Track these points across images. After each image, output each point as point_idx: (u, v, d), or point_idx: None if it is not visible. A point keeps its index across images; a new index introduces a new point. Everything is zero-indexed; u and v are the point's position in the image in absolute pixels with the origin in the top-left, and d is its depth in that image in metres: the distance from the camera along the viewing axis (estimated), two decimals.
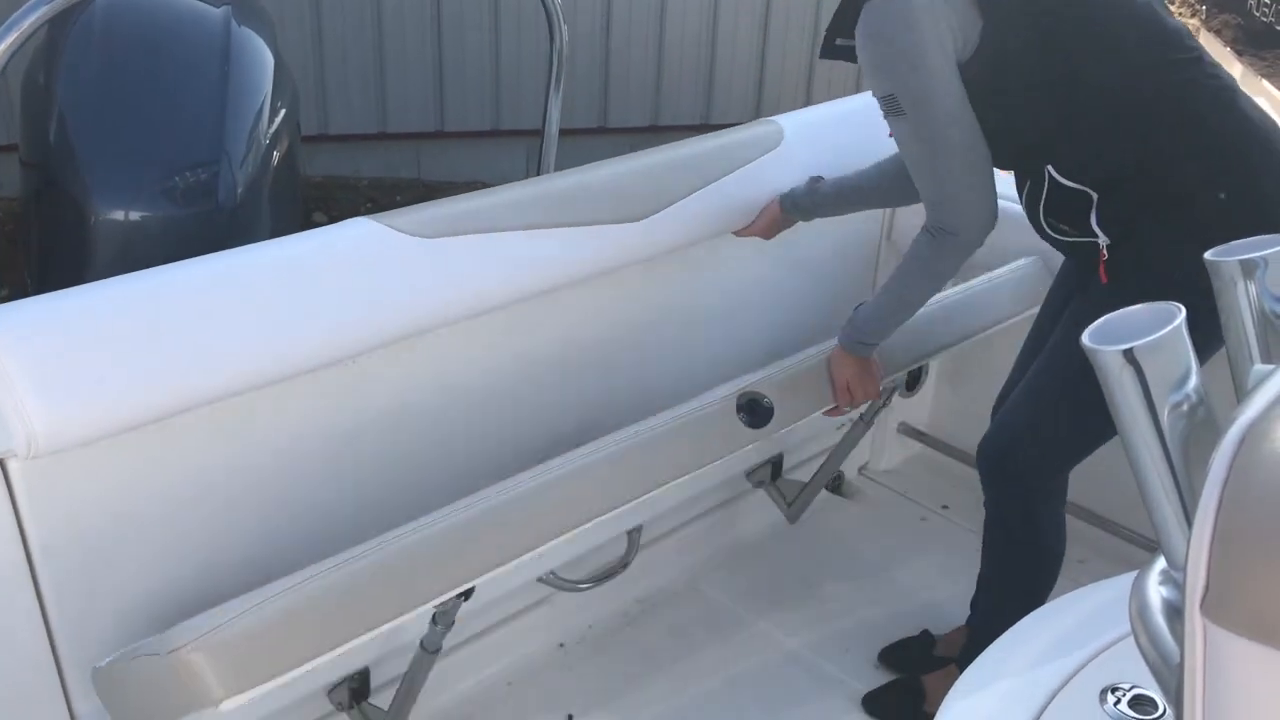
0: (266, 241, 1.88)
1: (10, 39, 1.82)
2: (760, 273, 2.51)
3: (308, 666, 1.55)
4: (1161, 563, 0.94)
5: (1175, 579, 0.91)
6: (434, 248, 1.91)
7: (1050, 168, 1.97)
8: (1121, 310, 0.95)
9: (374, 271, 1.85)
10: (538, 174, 2.70)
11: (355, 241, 1.89)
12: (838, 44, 2.02)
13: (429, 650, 1.92)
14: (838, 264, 2.68)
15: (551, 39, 2.48)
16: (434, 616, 1.84)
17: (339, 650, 1.58)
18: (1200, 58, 1.96)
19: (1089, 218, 1.96)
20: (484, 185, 5.27)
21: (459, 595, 1.74)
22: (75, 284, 1.71)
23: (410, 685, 1.99)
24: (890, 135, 2.00)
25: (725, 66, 5.42)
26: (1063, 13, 1.91)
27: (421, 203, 2.08)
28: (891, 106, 1.91)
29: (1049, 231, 2.06)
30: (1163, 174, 1.93)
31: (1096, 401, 0.98)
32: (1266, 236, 1.09)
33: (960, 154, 1.92)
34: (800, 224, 2.42)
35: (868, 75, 1.94)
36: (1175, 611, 0.87)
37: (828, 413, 2.30)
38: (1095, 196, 1.95)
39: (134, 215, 2.43)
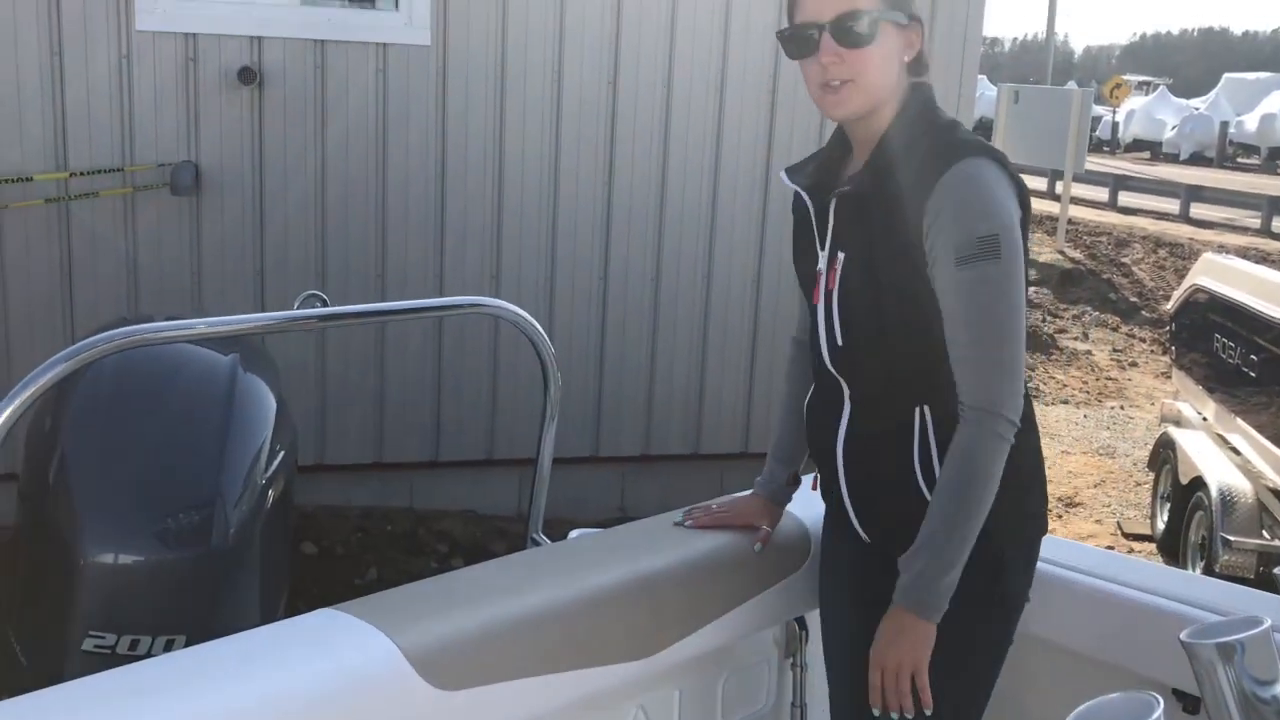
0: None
1: (26, 395, 1.89)
2: None
3: None
4: None
5: None
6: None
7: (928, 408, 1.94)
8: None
9: None
10: (529, 512, 2.73)
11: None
12: (843, 192, 1.95)
13: None
14: None
15: (546, 387, 2.58)
16: None
17: None
18: None
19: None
20: (476, 514, 5.33)
21: None
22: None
23: None
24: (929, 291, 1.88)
25: (714, 399, 5.59)
26: None
27: (404, 588, 1.99)
28: (988, 248, 1.80)
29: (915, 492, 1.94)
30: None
31: None
32: (1237, 618, 1.10)
33: (1023, 319, 1.87)
34: None
35: (962, 219, 1.83)
36: None
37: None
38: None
39: (123, 559, 2.43)
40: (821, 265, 2.01)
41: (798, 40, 1.93)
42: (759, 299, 5.49)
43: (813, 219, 2.03)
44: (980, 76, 27.36)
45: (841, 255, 1.97)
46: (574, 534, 2.44)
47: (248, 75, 4.70)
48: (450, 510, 5.29)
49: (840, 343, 2.00)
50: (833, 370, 2.03)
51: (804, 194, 2.04)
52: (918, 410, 1.95)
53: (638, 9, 5.15)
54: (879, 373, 1.98)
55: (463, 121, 5.02)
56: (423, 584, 1.99)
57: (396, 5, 4.94)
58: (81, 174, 4.60)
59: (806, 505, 2.33)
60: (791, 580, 2.30)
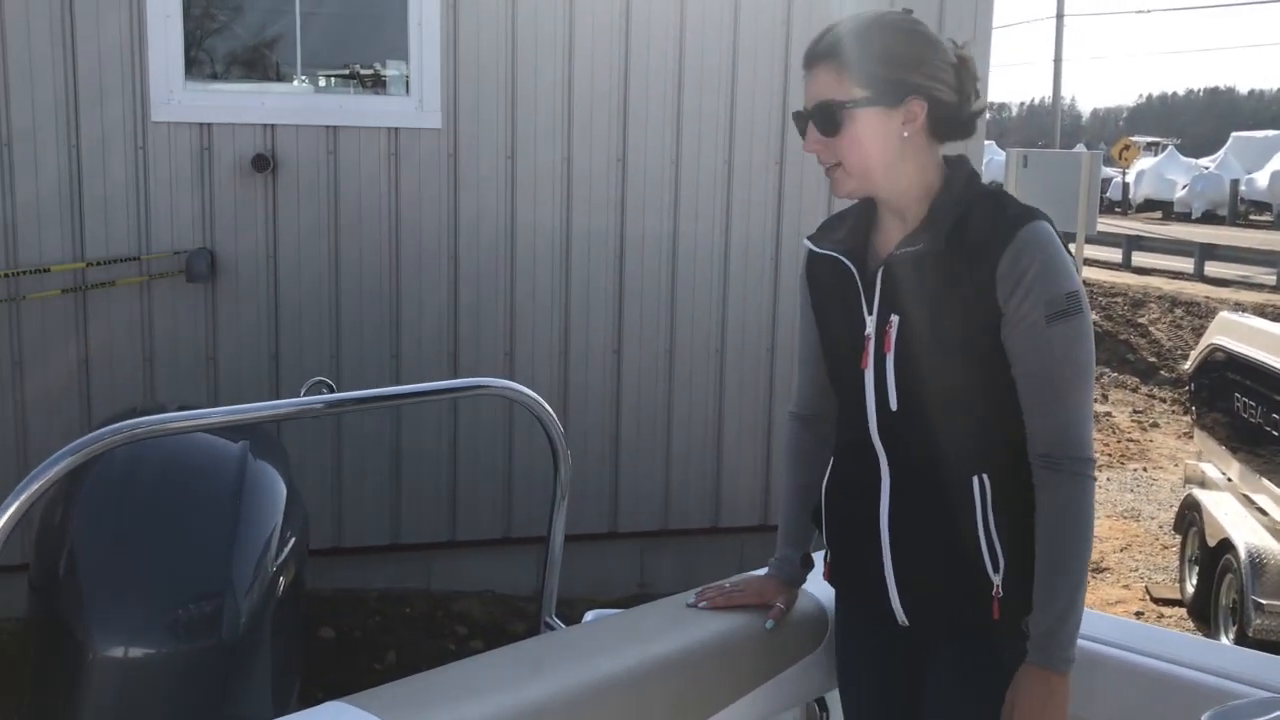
0: None
1: (35, 487, 1.88)
2: None
3: None
4: None
5: None
6: None
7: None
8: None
9: None
10: (540, 596, 2.69)
11: None
12: (899, 255, 1.96)
13: None
14: None
15: (556, 469, 2.56)
16: None
17: None
18: None
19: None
20: (494, 594, 5.29)
21: None
22: None
23: None
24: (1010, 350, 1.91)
25: (731, 471, 5.56)
26: None
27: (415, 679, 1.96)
28: (1074, 303, 1.88)
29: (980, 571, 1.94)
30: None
31: None
32: (1261, 698, 1.07)
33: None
34: None
35: (1048, 277, 1.87)
36: None
37: None
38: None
39: (134, 653, 2.41)
40: (870, 329, 1.99)
41: (797, 125, 2.01)
42: (774, 368, 5.48)
43: (858, 284, 2.02)
44: (988, 142, 27.58)
45: (895, 318, 1.96)
46: (590, 615, 2.40)
47: (261, 162, 4.76)
48: (468, 591, 5.24)
49: (894, 407, 1.97)
50: (877, 440, 2.00)
51: (845, 259, 2.04)
52: (975, 480, 1.94)
53: (643, 87, 5.21)
54: (932, 439, 1.95)
55: (474, 202, 5.07)
56: (431, 674, 1.96)
57: (407, 89, 5.01)
58: (98, 263, 4.66)
59: (820, 582, 2.29)
60: (810, 660, 2.26)
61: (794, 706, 2.36)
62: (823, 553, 2.22)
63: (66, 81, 4.56)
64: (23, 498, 1.85)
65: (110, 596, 2.51)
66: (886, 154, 1.95)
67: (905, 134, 1.96)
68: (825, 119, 1.93)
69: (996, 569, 1.93)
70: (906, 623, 2.04)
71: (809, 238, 2.16)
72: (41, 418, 4.68)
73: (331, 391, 2.29)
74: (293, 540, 2.82)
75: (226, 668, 2.43)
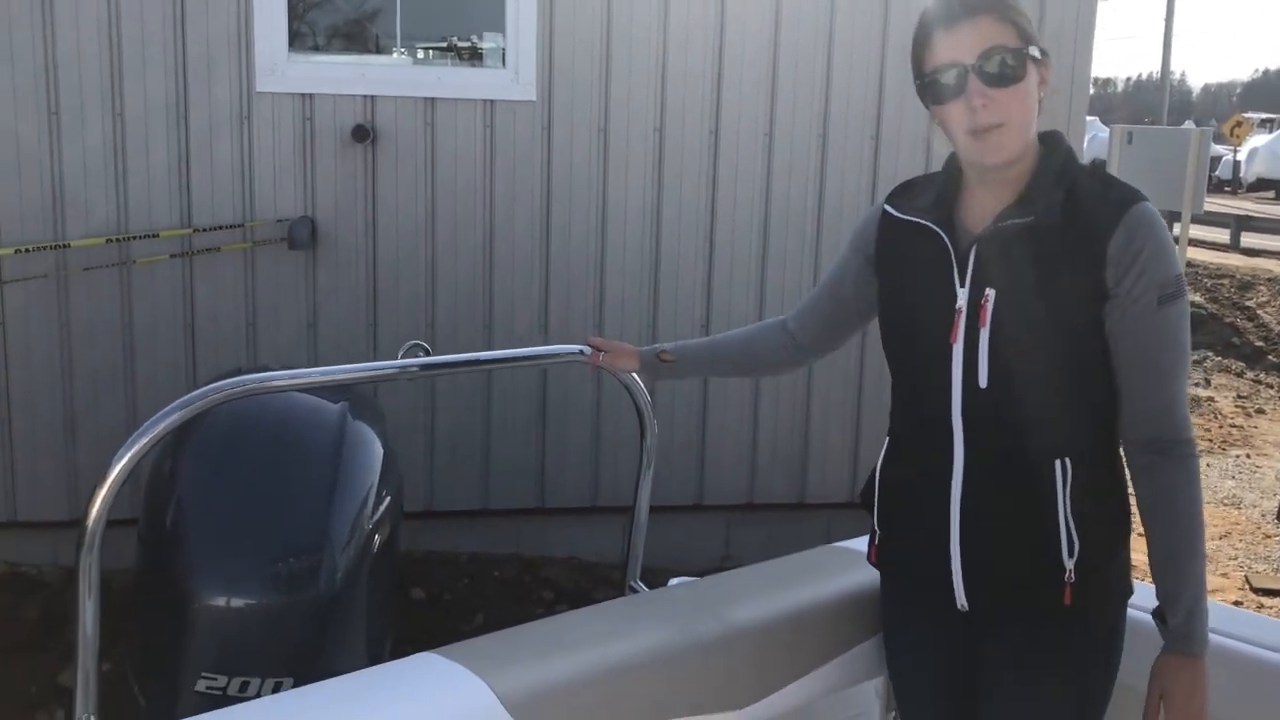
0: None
1: (145, 441, 1.97)
2: None
3: None
4: None
5: None
6: None
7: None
8: None
9: None
10: (625, 560, 2.74)
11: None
12: (999, 227, 1.91)
13: None
14: None
15: (642, 435, 2.59)
16: None
17: None
18: None
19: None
20: (580, 561, 5.35)
21: None
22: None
23: None
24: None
25: (819, 445, 5.54)
26: None
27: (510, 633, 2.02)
28: (1180, 287, 1.86)
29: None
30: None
31: None
32: None
33: None
34: None
35: (1159, 260, 1.84)
36: None
37: None
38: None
39: (235, 603, 2.51)
40: (962, 302, 1.92)
41: (939, 85, 1.88)
42: (864, 345, 5.43)
43: (951, 254, 1.95)
44: (1092, 118, 26.77)
45: (991, 292, 1.90)
46: (674, 582, 2.44)
47: (361, 133, 4.86)
48: (555, 557, 5.32)
49: (984, 384, 1.91)
50: (957, 418, 1.94)
51: (937, 228, 1.97)
52: (1058, 463, 1.90)
53: (739, 58, 5.20)
54: (1018, 420, 1.91)
55: (567, 173, 5.11)
56: (520, 629, 2.02)
57: (504, 62, 5.07)
58: (204, 230, 4.81)
59: None
60: None
61: (876, 677, 2.37)
62: (870, 535, 2.19)
63: (176, 55, 4.70)
64: (134, 450, 1.94)
65: (214, 548, 2.61)
66: (1035, 114, 1.90)
67: (1040, 95, 1.91)
68: (1000, 69, 1.83)
69: (1071, 554, 1.90)
70: (966, 606, 1.99)
71: (887, 201, 2.12)
72: (149, 378, 4.86)
73: (427, 355, 2.35)
74: (388, 499, 2.90)
75: (323, 619, 2.52)
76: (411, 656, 1.88)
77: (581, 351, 2.43)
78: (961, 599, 2.00)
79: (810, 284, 5.40)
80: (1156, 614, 1.92)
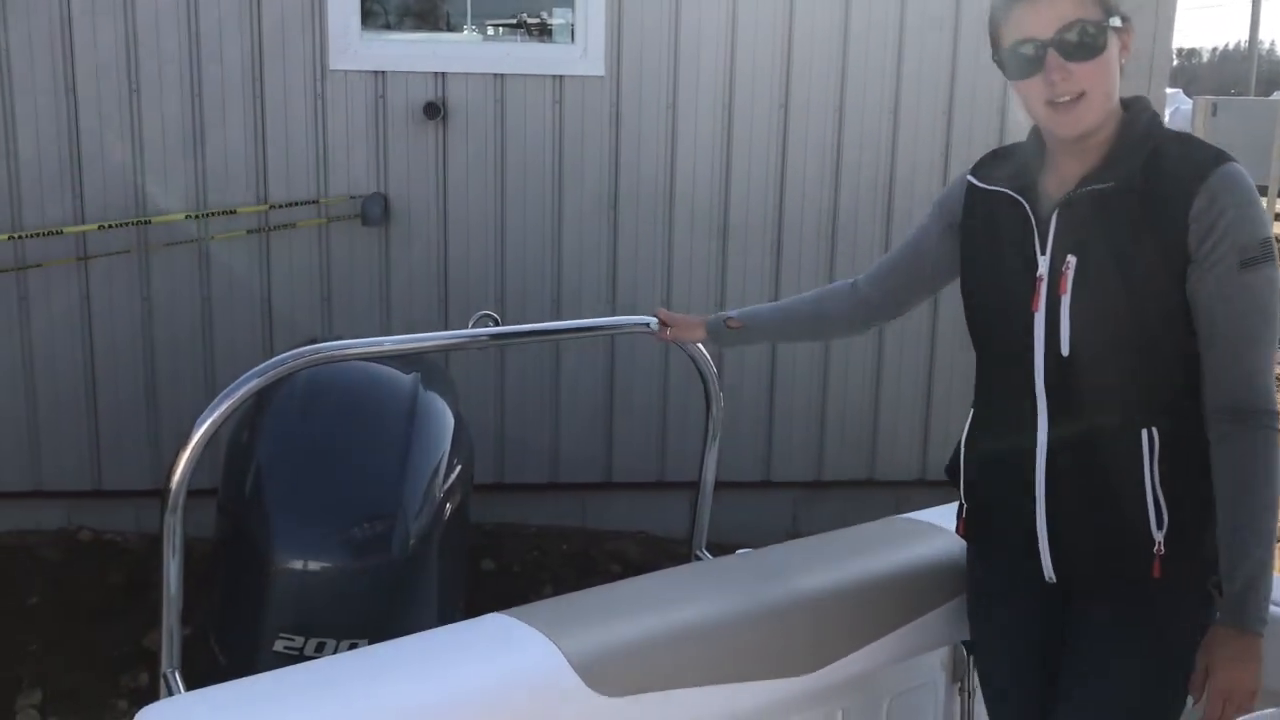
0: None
1: (225, 406, 2.03)
2: None
3: None
4: None
5: None
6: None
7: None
8: None
9: None
10: (691, 530, 2.76)
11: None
12: (1080, 194, 1.89)
13: None
14: None
15: (708, 408, 2.61)
16: None
17: None
18: None
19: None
20: (648, 536, 5.39)
21: None
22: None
23: None
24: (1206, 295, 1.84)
25: (889, 422, 5.51)
26: None
27: (580, 595, 2.05)
28: (1269, 251, 1.81)
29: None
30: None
31: None
32: None
33: None
34: None
35: (1243, 222, 1.81)
36: None
37: None
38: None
39: (311, 566, 2.58)
40: (1043, 270, 1.92)
41: (1018, 59, 1.87)
42: (935, 323, 5.38)
43: (1033, 222, 1.95)
44: (1175, 90, 26.08)
45: (1073, 259, 1.89)
46: (740, 553, 2.45)
47: (433, 110, 4.91)
48: (623, 531, 5.36)
49: (1066, 353, 1.90)
50: (1040, 387, 1.93)
51: (1018, 196, 1.97)
52: (1145, 433, 1.88)
53: (809, 34, 5.15)
54: (1103, 388, 1.89)
55: (635, 149, 5.12)
56: (588, 593, 2.05)
57: (572, 38, 5.08)
58: (280, 206, 4.90)
59: None
60: (959, 602, 2.26)
61: (941, 647, 2.37)
62: (957, 506, 2.20)
63: (252, 33, 4.79)
64: (216, 414, 2.00)
65: (292, 513, 2.68)
66: (1117, 82, 1.88)
67: (1122, 62, 1.89)
68: (1081, 42, 1.82)
69: (1160, 526, 1.87)
70: (1054, 579, 1.98)
71: (971, 173, 2.12)
72: (227, 351, 4.97)
73: (497, 325, 2.38)
74: (459, 468, 2.95)
75: (396, 583, 2.58)
76: (481, 617, 1.92)
77: (648, 324, 2.45)
78: (1049, 571, 1.99)
79: (880, 254, 5.33)
80: (1214, 584, 1.89)
